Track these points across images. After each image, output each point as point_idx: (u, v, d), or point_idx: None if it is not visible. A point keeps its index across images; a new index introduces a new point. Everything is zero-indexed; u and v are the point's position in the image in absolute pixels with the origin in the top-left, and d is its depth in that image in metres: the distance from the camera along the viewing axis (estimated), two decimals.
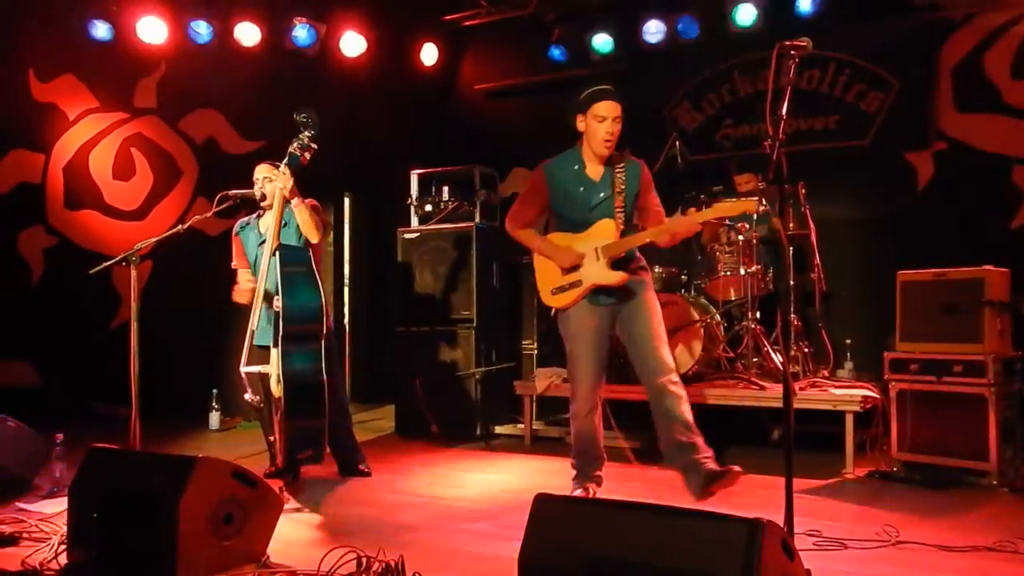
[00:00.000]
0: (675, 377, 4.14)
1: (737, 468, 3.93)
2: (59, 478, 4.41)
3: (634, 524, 2.41)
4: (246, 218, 4.97)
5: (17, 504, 4.19)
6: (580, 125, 4.11)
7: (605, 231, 4.08)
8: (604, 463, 4.32)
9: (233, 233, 4.98)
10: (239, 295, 4.78)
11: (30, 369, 7.83)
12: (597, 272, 4.09)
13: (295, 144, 4.47)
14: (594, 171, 4.15)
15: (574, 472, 4.30)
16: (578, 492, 4.18)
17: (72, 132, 7.97)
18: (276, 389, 4.29)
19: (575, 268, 4.14)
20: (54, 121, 7.94)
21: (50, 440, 4.53)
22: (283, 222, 4.65)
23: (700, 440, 4.04)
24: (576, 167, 4.17)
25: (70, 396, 7.38)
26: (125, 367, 4.35)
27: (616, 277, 4.07)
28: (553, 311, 4.39)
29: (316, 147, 4.51)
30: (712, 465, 3.97)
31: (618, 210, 4.08)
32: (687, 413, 4.07)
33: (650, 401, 4.19)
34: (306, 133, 4.48)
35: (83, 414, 6.86)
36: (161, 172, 7.89)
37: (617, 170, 4.11)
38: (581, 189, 4.13)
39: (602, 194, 4.11)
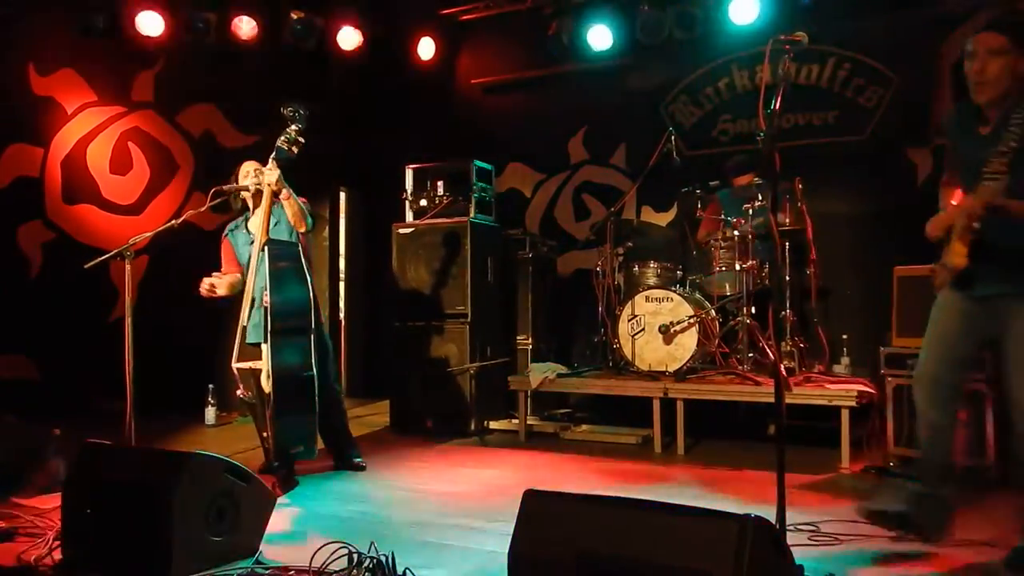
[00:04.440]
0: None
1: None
2: (55, 473, 4.41)
3: (625, 520, 2.41)
4: (236, 220, 4.97)
5: (12, 499, 4.19)
6: None
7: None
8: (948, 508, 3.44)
9: (223, 236, 4.98)
10: (201, 286, 4.77)
11: (28, 363, 7.83)
12: (950, 252, 3.19)
13: (282, 138, 4.48)
14: (986, 125, 3.26)
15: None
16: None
17: (70, 126, 7.96)
18: (267, 384, 4.30)
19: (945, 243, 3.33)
20: (53, 115, 7.93)
21: (46, 435, 4.53)
22: (275, 220, 4.66)
23: None
24: (972, 120, 3.32)
25: (68, 390, 7.38)
26: (122, 361, 4.35)
27: (957, 262, 3.14)
28: None
29: (304, 141, 4.51)
30: None
31: (990, 174, 3.07)
32: None
33: None
34: (293, 127, 4.48)
35: (81, 408, 6.85)
36: (158, 166, 7.88)
37: (1013, 122, 3.07)
38: (972, 146, 3.27)
39: (984, 153, 3.13)
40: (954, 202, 3.31)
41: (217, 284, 4.78)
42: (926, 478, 3.35)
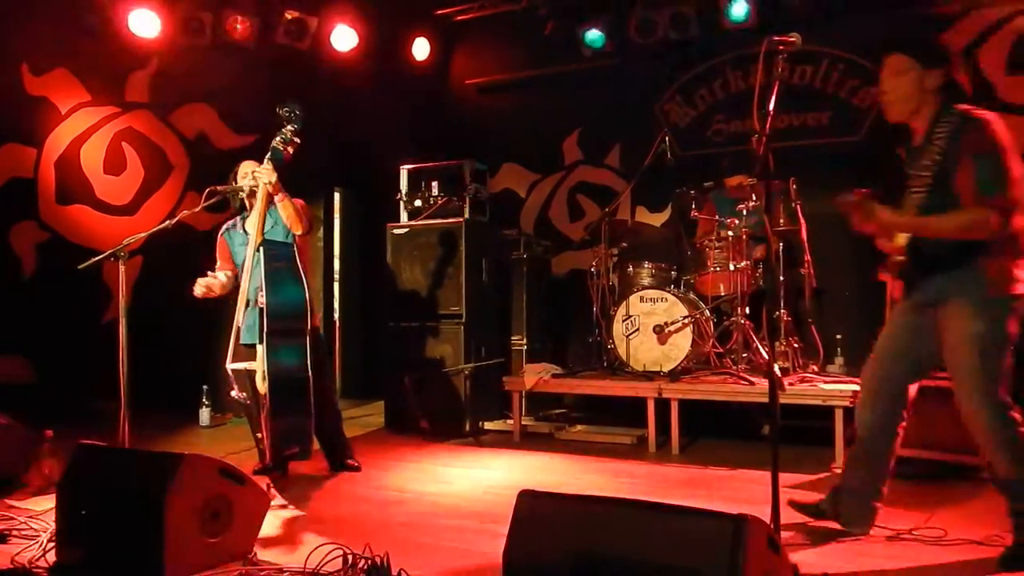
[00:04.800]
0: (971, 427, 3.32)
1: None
2: (48, 475, 4.40)
3: (619, 520, 2.41)
4: (232, 220, 4.97)
5: (7, 501, 4.18)
6: None
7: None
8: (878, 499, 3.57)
9: (219, 234, 4.98)
10: (196, 287, 4.77)
11: (22, 364, 7.81)
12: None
13: (278, 139, 4.47)
14: (916, 139, 3.35)
15: None
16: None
17: (64, 126, 7.94)
18: (262, 386, 4.29)
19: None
20: (46, 115, 7.92)
21: (40, 436, 4.52)
22: (271, 221, 4.66)
23: None
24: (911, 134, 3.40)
25: (62, 391, 7.37)
26: (116, 362, 4.34)
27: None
28: None
29: (299, 141, 4.50)
30: None
31: (915, 189, 3.24)
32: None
33: None
34: (289, 127, 4.48)
35: (74, 409, 6.84)
36: (152, 167, 7.87)
37: (937, 135, 3.19)
38: (909, 159, 3.38)
39: (912, 167, 3.30)
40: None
41: (212, 284, 4.78)
42: (851, 472, 3.50)
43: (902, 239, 3.28)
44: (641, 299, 5.81)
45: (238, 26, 7.25)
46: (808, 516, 3.61)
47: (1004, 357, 3.12)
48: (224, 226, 4.99)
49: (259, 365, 4.33)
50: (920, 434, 4.67)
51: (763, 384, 5.15)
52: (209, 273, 4.83)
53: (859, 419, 3.48)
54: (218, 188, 4.73)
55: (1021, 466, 3.10)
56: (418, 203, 6.70)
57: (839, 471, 4.81)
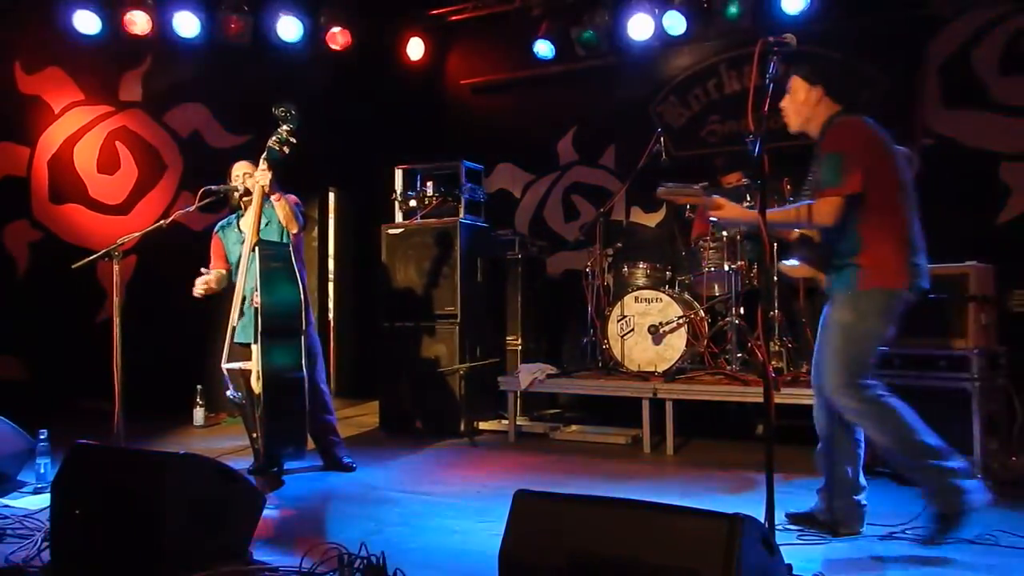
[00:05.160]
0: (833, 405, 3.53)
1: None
2: (43, 474, 4.40)
3: (615, 520, 2.42)
4: (227, 217, 4.96)
5: (1, 500, 4.17)
6: None
7: None
8: (853, 488, 3.68)
9: (213, 232, 4.97)
10: (196, 288, 4.76)
11: (15, 363, 7.79)
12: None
13: (273, 139, 4.47)
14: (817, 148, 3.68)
15: None
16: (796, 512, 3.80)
17: (57, 125, 7.93)
18: (257, 385, 4.29)
19: None
20: (39, 114, 7.90)
21: (34, 436, 4.51)
22: (266, 220, 4.66)
23: None
24: None
25: (55, 391, 7.35)
26: (110, 362, 4.33)
27: (787, 268, 3.81)
28: None
29: (295, 141, 4.50)
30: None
31: (805, 189, 3.67)
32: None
33: None
34: (285, 127, 4.48)
35: (69, 409, 6.82)
36: (146, 166, 7.85)
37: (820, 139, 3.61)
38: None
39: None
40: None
41: (209, 280, 4.78)
42: (827, 474, 3.60)
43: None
44: (636, 299, 5.82)
45: (232, 25, 7.24)
46: (806, 526, 3.63)
47: (869, 347, 3.41)
48: (219, 223, 4.99)
49: (254, 365, 4.33)
50: None
51: (757, 384, 5.16)
52: (203, 270, 4.82)
53: (816, 421, 3.66)
54: (213, 188, 4.73)
55: (884, 437, 3.37)
56: (413, 203, 6.69)
57: None
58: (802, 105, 3.62)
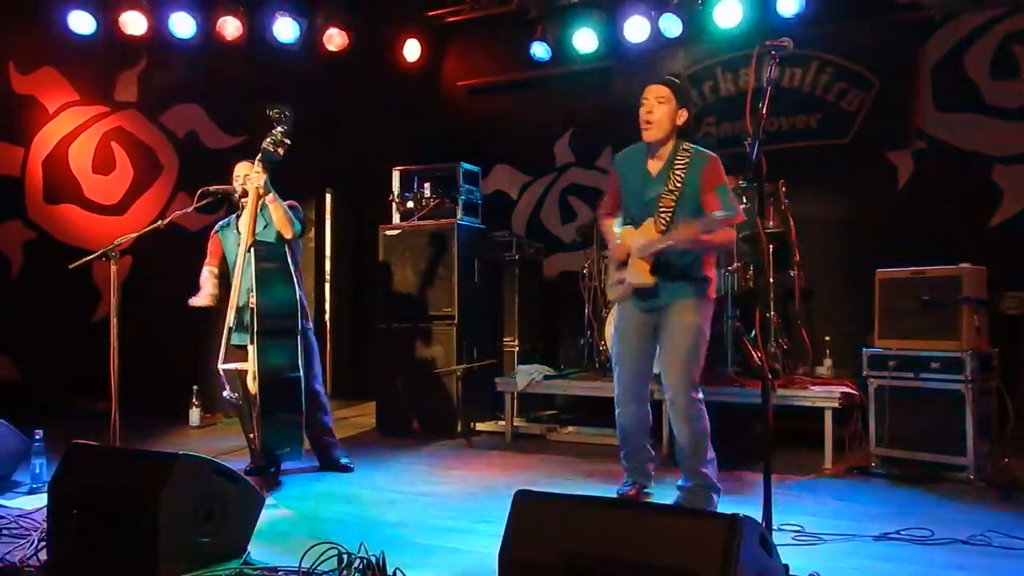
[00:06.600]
0: (675, 398, 3.88)
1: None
2: (39, 474, 4.40)
3: (613, 521, 2.43)
4: (227, 218, 4.96)
5: None
6: None
7: (646, 230, 3.85)
8: (653, 461, 4.23)
9: (213, 231, 4.98)
10: (197, 299, 4.77)
11: (10, 363, 7.78)
12: (633, 272, 3.90)
13: (268, 140, 4.47)
14: (654, 165, 3.95)
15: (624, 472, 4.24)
16: (626, 490, 4.12)
17: (52, 125, 7.92)
18: (253, 386, 4.29)
19: (625, 264, 3.96)
20: (34, 114, 7.89)
21: (30, 436, 4.51)
22: (263, 222, 4.66)
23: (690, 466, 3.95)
24: (640, 159, 4.01)
25: (50, 391, 7.34)
26: (106, 363, 4.34)
27: (642, 280, 3.85)
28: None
29: (290, 142, 4.50)
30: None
31: (663, 209, 3.82)
32: (679, 435, 3.95)
33: None
34: (279, 129, 4.47)
35: (64, 409, 6.82)
36: (141, 166, 7.84)
37: (677, 166, 3.85)
38: (640, 183, 3.96)
39: (655, 190, 3.88)
40: (617, 229, 4.06)
41: (206, 298, 4.79)
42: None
43: (647, 266, 3.83)
44: None
45: (228, 26, 7.23)
46: None
47: (705, 347, 3.87)
48: (219, 223, 4.99)
49: (250, 365, 4.33)
50: (910, 436, 4.72)
51: (753, 386, 5.18)
52: (204, 270, 4.82)
53: (619, 417, 4.08)
54: (210, 189, 4.73)
55: (695, 436, 3.85)
56: (410, 204, 6.69)
57: (829, 472, 4.88)
58: (670, 122, 3.90)
